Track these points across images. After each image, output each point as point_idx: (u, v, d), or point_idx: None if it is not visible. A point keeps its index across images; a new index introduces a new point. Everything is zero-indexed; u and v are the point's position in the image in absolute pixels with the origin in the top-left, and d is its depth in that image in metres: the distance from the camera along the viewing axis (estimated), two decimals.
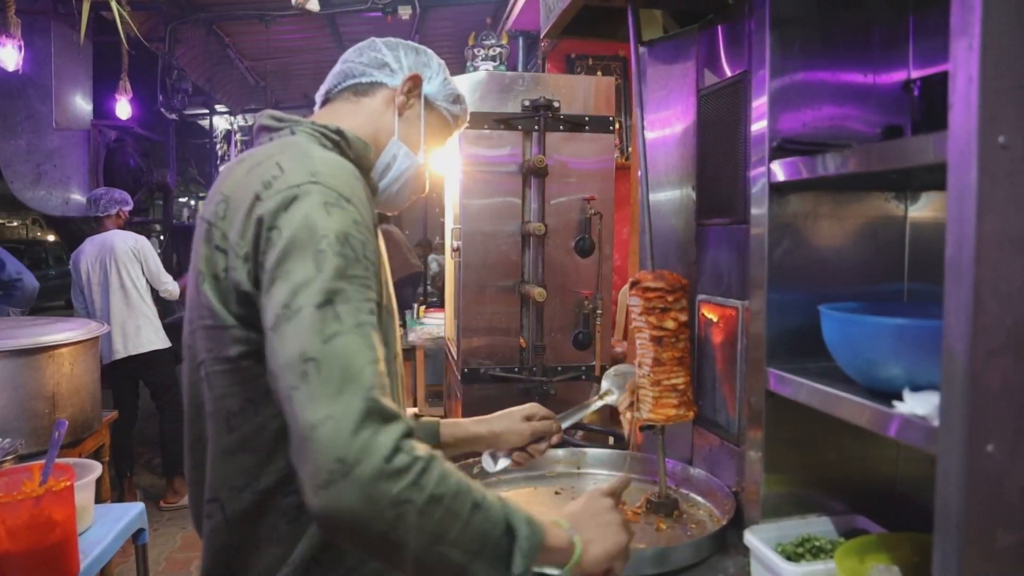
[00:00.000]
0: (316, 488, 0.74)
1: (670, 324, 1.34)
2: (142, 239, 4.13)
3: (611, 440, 2.06)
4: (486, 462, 1.38)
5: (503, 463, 1.37)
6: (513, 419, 1.38)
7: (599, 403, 1.51)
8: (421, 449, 0.79)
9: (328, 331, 0.79)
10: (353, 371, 0.77)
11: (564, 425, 1.44)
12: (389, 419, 0.77)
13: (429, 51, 1.19)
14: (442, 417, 1.44)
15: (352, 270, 0.84)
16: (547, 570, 0.92)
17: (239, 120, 8.97)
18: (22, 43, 4.16)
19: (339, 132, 1.05)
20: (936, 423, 0.80)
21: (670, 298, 1.35)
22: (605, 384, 1.53)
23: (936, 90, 0.89)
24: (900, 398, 0.88)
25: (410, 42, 1.18)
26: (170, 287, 4.16)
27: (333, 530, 0.77)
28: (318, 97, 1.18)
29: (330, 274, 0.82)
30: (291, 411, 0.77)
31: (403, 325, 5.20)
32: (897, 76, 1.17)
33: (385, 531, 0.75)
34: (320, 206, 0.86)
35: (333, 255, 0.83)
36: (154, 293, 4.15)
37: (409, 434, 0.78)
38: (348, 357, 0.78)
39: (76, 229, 5.86)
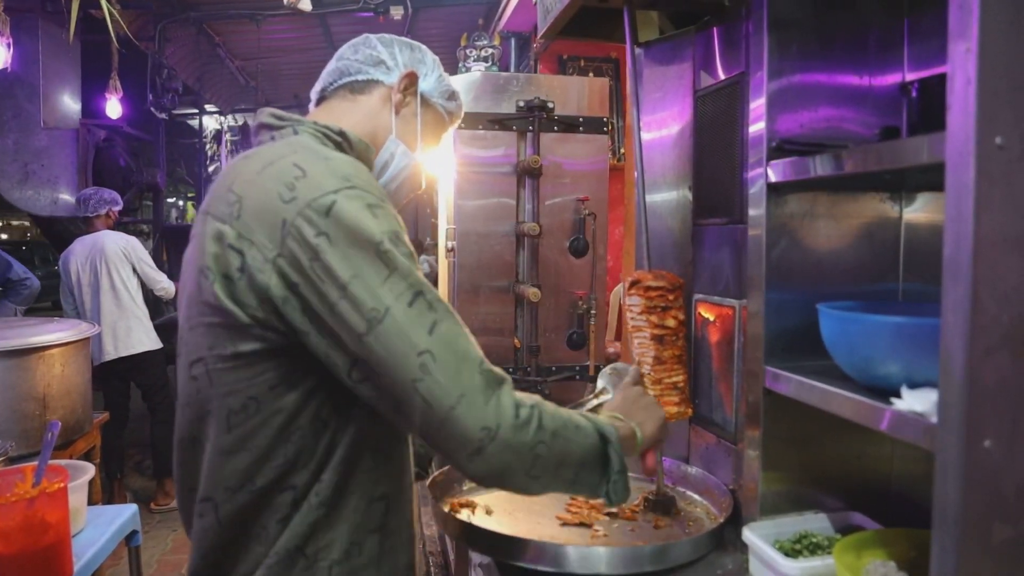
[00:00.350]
0: (470, 456, 0.86)
1: (671, 322, 1.35)
2: (132, 239, 4.11)
3: None
4: None
5: None
6: None
7: (594, 402, 1.50)
8: (527, 397, 0.92)
9: (428, 322, 0.87)
10: (462, 351, 0.88)
11: None
12: (502, 381, 0.90)
13: (423, 47, 1.19)
14: None
15: (414, 264, 0.91)
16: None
17: (229, 120, 8.94)
18: (10, 41, 4.14)
19: (342, 133, 1.05)
20: (934, 419, 0.81)
21: (670, 296, 1.36)
22: (600, 383, 1.53)
23: (933, 92, 0.91)
24: (898, 395, 0.89)
25: (404, 38, 1.18)
26: (165, 285, 4.13)
27: (488, 484, 0.92)
28: (313, 94, 1.18)
29: (404, 270, 0.88)
30: (418, 401, 0.85)
31: None
32: (892, 78, 1.19)
33: (528, 470, 0.90)
34: (365, 208, 0.89)
35: (397, 254, 0.88)
36: (145, 294, 4.13)
37: (514, 387, 0.91)
38: (454, 340, 0.88)
39: (63, 229, 5.82)
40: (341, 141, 1.05)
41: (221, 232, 0.92)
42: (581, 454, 0.97)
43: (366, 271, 0.86)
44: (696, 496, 1.53)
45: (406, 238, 0.92)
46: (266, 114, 1.07)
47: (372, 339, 0.85)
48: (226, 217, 0.92)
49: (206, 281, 0.92)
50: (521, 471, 0.90)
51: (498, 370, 0.90)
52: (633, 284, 1.39)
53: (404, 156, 1.14)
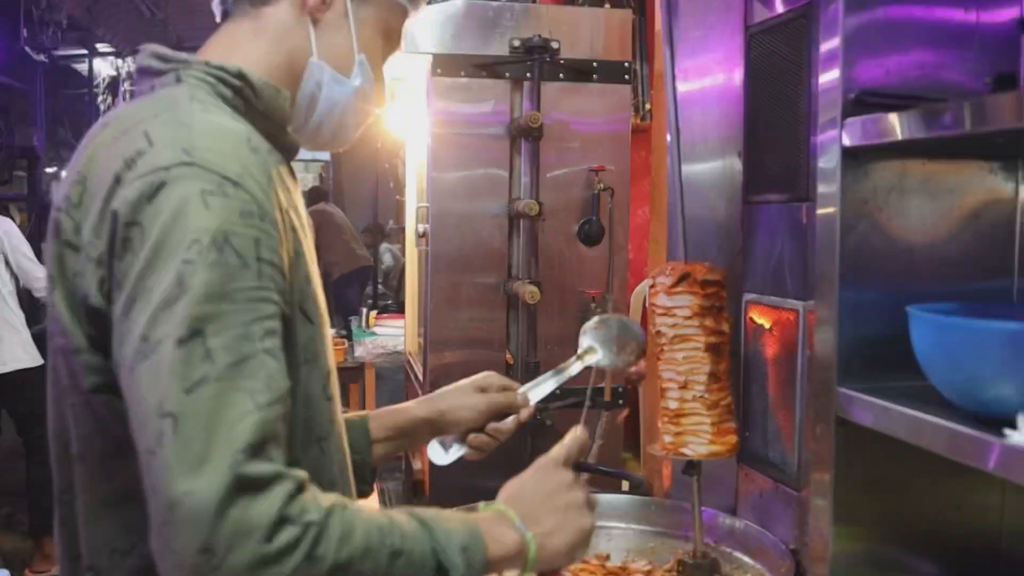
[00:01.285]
0: None
1: (726, 327, 1.36)
2: (6, 222, 4.09)
3: (625, 484, 2.07)
4: (434, 452, 1.38)
5: (456, 452, 1.38)
6: (464, 392, 1.38)
7: (579, 365, 1.47)
8: (313, 508, 0.81)
9: (193, 376, 0.78)
10: (221, 429, 0.77)
11: (534, 398, 1.43)
12: (265, 485, 0.78)
13: None
14: None
15: (235, 282, 0.83)
16: None
17: (129, 64, 8.90)
18: None
19: (241, 75, 1.00)
20: None
21: (724, 294, 1.37)
22: (585, 341, 1.50)
23: None
24: (1013, 425, 0.90)
25: None
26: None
27: None
28: (215, 8, 1.12)
29: (199, 293, 0.80)
30: (149, 483, 0.79)
31: (347, 336, 5.18)
32: (1007, 13, 1.19)
33: None
34: (196, 195, 0.84)
35: (204, 267, 0.81)
36: (20, 295, 4.10)
37: (299, 490, 0.81)
38: (216, 411, 0.78)
39: None
40: (242, 86, 1.00)
41: (60, 225, 0.92)
42: None
43: (156, 287, 0.81)
44: (746, 558, 1.54)
45: (241, 241, 0.84)
46: (148, 54, 1.03)
47: (131, 378, 0.82)
48: (65, 205, 0.92)
49: (51, 293, 0.92)
50: None
51: (273, 467, 0.80)
52: (682, 279, 1.38)
53: (334, 84, 1.08)
